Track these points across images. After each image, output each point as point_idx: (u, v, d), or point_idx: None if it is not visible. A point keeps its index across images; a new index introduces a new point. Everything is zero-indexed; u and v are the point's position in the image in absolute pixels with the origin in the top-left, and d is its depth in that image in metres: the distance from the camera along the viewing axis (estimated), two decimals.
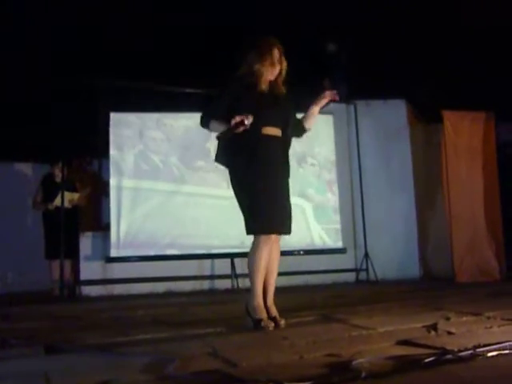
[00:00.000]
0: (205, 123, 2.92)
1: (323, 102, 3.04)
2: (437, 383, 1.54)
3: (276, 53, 2.92)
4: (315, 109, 3.06)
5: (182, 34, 7.62)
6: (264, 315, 2.78)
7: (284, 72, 2.97)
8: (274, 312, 2.88)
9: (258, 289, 2.84)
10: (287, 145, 3.00)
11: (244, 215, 2.88)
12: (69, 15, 7.00)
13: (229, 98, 2.88)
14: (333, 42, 7.53)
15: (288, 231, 2.92)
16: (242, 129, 2.71)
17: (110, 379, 1.69)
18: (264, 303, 2.88)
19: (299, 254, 6.27)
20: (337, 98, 3.01)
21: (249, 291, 2.92)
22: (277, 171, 2.89)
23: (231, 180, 2.94)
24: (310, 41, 7.65)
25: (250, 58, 2.94)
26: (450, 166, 6.38)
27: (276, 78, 2.97)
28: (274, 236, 2.85)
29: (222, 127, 2.82)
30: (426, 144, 6.96)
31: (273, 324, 2.73)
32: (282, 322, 2.81)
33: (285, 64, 2.96)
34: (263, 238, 2.81)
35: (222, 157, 2.96)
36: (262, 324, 2.72)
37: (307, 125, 3.10)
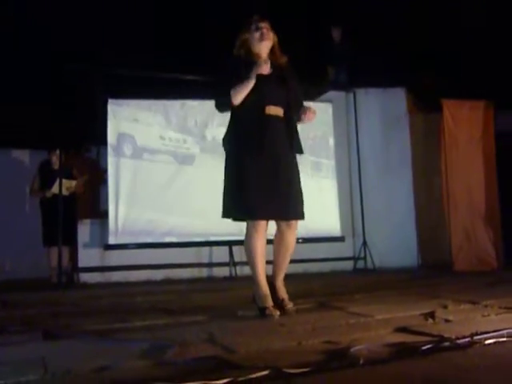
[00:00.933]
0: (223, 103, 2.85)
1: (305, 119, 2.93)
2: (434, 370, 1.54)
3: (262, 24, 2.90)
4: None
5: (178, 21, 7.58)
6: (269, 303, 2.74)
7: (277, 44, 2.96)
8: (283, 294, 2.87)
9: (260, 277, 2.79)
10: (291, 124, 2.91)
11: (223, 196, 2.85)
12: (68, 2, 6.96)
13: (232, 78, 2.82)
14: (337, 29, 7.48)
15: (282, 217, 2.81)
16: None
17: (108, 364, 1.69)
18: (273, 286, 2.88)
19: (297, 242, 6.25)
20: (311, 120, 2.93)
21: (250, 278, 2.91)
22: (274, 153, 2.79)
23: (225, 161, 2.90)
24: (314, 29, 7.61)
25: (240, 36, 2.95)
26: (448, 154, 6.37)
27: (274, 54, 2.94)
28: (263, 223, 2.77)
29: (240, 86, 2.77)
30: (426, 133, 6.93)
31: (278, 312, 2.70)
32: (290, 306, 2.80)
33: (275, 38, 2.94)
34: (251, 224, 2.77)
35: (227, 141, 2.91)
36: (267, 312, 2.69)
37: (300, 118, 2.97)
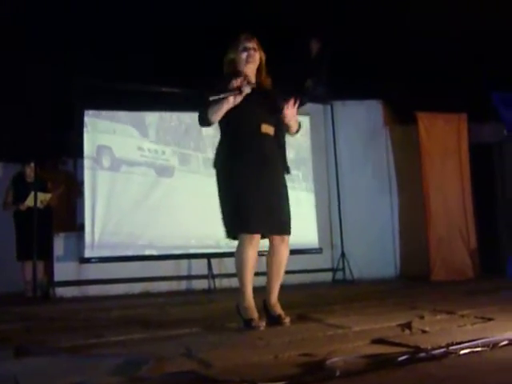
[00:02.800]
0: (204, 119, 2.85)
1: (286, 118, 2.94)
2: (409, 381, 1.54)
3: (249, 44, 2.93)
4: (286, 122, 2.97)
5: (159, 33, 7.57)
6: (255, 315, 2.76)
7: (264, 65, 2.99)
8: (278, 311, 2.88)
9: (247, 289, 2.81)
10: (281, 142, 2.99)
11: (223, 216, 2.86)
12: (50, 9, 6.90)
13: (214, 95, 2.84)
14: (315, 42, 7.55)
15: (278, 232, 2.89)
16: (237, 96, 2.74)
17: (81, 381, 1.65)
18: (268, 303, 2.92)
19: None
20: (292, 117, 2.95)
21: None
22: (269, 169, 2.87)
23: (217, 178, 2.92)
24: (293, 41, 7.67)
25: (228, 55, 2.99)
26: (423, 166, 6.47)
27: (260, 74, 2.98)
28: (258, 236, 2.80)
29: (217, 106, 2.78)
30: (403, 144, 7.03)
31: (264, 323, 2.72)
32: (287, 320, 2.80)
33: (263, 56, 2.98)
34: (244, 237, 2.79)
35: (219, 162, 2.92)
36: (253, 324, 2.70)
37: (290, 131, 3.04)
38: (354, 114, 7.12)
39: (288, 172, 3.05)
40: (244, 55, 2.92)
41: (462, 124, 6.65)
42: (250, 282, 2.82)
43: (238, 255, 2.82)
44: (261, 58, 2.97)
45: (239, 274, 2.83)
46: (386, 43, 7.81)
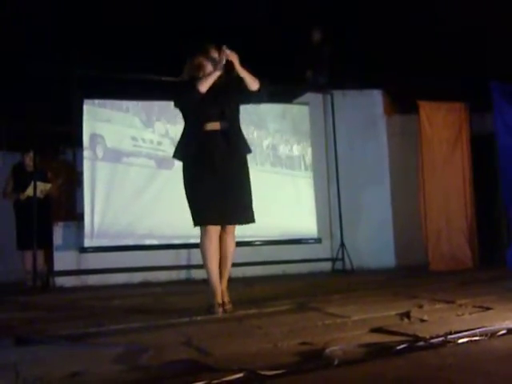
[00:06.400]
0: (188, 92, 3.01)
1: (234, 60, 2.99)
2: (406, 370, 1.55)
3: (206, 64, 3.07)
4: (237, 70, 3.02)
5: (156, 22, 7.53)
6: (218, 301, 3.00)
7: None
8: (225, 297, 3.08)
9: (212, 276, 3.04)
10: (233, 132, 3.11)
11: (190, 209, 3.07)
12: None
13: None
14: (316, 31, 7.51)
15: (235, 222, 3.07)
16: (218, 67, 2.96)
17: (81, 370, 1.66)
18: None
19: (270, 244, 6.25)
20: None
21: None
22: (219, 165, 3.01)
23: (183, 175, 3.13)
24: (294, 31, 7.63)
25: (195, 59, 3.12)
26: (424, 155, 6.46)
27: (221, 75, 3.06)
28: (213, 227, 2.98)
29: (207, 77, 2.98)
30: (403, 134, 7.00)
31: (221, 310, 2.96)
32: (228, 307, 3.00)
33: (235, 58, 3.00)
34: (203, 229, 3.01)
35: (177, 153, 3.16)
36: (212, 310, 2.96)
37: (249, 86, 3.07)
38: (354, 103, 7.09)
39: (249, 151, 3.19)
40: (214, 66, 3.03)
41: (464, 113, 6.63)
42: (213, 269, 3.04)
43: (200, 246, 3.06)
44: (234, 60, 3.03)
45: (204, 262, 3.06)
46: (386, 32, 7.77)
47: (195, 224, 3.04)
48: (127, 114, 6.11)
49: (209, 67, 3.05)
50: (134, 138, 6.09)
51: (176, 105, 3.12)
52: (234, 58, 2.97)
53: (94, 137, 5.93)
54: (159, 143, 6.16)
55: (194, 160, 3.05)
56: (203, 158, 3.01)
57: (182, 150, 3.13)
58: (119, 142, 6.01)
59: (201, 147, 3.03)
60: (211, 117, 3.05)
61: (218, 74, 2.98)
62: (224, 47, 2.97)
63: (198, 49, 3.12)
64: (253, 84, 3.06)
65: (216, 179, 3.00)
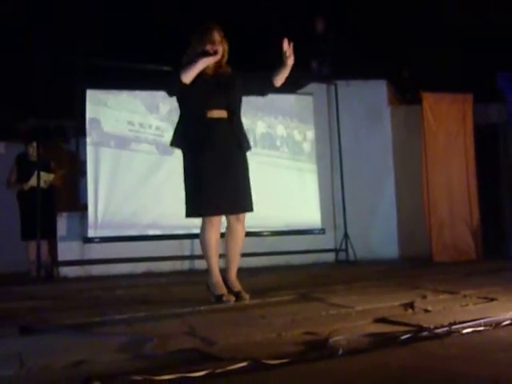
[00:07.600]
0: (173, 81, 2.96)
1: (290, 60, 3.03)
2: (410, 360, 1.55)
3: (215, 35, 2.99)
4: (285, 68, 3.05)
5: (159, 12, 7.50)
6: (224, 290, 2.97)
7: (226, 54, 3.07)
8: (237, 287, 3.05)
9: (213, 267, 3.03)
10: (236, 125, 3.07)
11: (185, 199, 3.04)
12: None
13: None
14: (320, 21, 7.45)
15: (235, 211, 3.02)
16: (210, 57, 2.91)
17: (86, 359, 1.66)
18: (228, 279, 3.07)
19: (274, 235, 6.26)
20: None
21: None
22: (222, 153, 2.98)
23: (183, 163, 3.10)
24: (298, 21, 7.57)
25: (192, 42, 3.05)
26: (427, 146, 6.43)
27: (220, 61, 3.04)
28: (215, 218, 2.97)
29: (190, 67, 2.91)
30: (407, 125, 6.97)
31: (234, 298, 2.92)
32: (247, 297, 2.95)
33: (226, 46, 3.05)
34: (204, 219, 2.99)
35: (176, 140, 3.10)
36: (224, 299, 2.91)
37: (276, 82, 3.10)
38: (358, 93, 7.05)
39: (249, 148, 3.15)
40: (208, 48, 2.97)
41: (468, 104, 6.59)
42: (214, 260, 3.04)
43: (200, 237, 3.05)
44: (223, 50, 3.03)
45: (204, 253, 3.05)
46: (390, 23, 7.73)
47: (196, 215, 3.02)
48: (131, 102, 6.10)
49: (219, 48, 2.97)
50: (138, 126, 6.07)
51: (169, 94, 3.10)
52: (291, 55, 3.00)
53: (94, 122, 5.90)
54: (162, 129, 6.13)
55: (197, 147, 2.98)
56: (207, 146, 2.96)
57: (183, 137, 3.06)
58: (122, 131, 5.99)
59: (205, 134, 2.96)
60: (216, 104, 3.00)
61: (205, 63, 2.92)
62: (285, 40, 2.96)
63: (196, 31, 3.05)
64: (281, 81, 3.09)
65: (223, 169, 2.96)
